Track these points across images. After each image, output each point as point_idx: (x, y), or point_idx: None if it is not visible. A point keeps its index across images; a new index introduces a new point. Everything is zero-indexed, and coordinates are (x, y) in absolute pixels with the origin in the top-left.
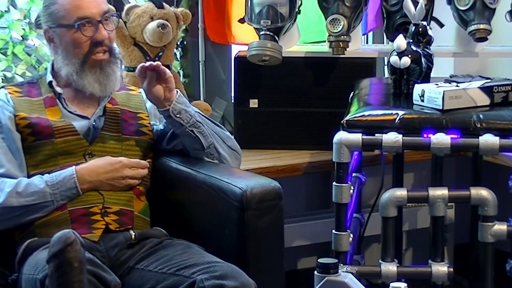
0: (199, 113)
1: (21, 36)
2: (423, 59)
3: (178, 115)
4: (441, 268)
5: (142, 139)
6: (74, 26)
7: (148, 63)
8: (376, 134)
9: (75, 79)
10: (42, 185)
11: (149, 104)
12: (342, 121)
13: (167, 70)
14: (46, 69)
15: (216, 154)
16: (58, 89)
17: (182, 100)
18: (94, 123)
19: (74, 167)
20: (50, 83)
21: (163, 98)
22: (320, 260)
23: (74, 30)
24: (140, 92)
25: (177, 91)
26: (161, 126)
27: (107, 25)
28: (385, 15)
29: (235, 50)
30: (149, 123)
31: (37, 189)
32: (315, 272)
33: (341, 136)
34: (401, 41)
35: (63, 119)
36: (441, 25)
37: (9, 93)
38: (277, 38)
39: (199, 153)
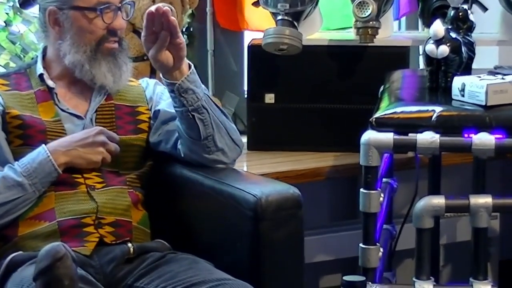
0: (208, 96)
1: (4, 22)
2: (463, 48)
3: (183, 94)
4: (483, 287)
5: (140, 137)
6: (96, 10)
7: (154, 8)
8: (410, 134)
9: (85, 67)
10: (20, 178)
11: (149, 93)
12: (370, 119)
13: (179, 30)
14: (33, 58)
15: (214, 148)
16: (50, 83)
17: (193, 78)
18: (87, 125)
19: (43, 145)
20: (41, 75)
21: (172, 66)
22: (345, 278)
23: (94, 14)
24: (140, 84)
25: (190, 65)
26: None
27: (122, 14)
28: None
29: (249, 37)
30: (149, 117)
31: (14, 183)
32: None
33: (369, 136)
34: (438, 28)
35: (57, 117)
36: (484, 9)
37: None
38: (296, 24)
39: (193, 147)
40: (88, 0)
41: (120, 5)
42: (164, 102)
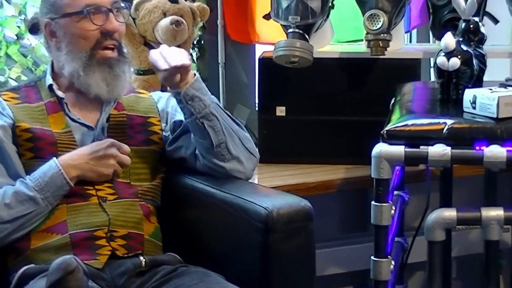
0: (217, 104)
1: (16, 35)
2: (474, 60)
3: (189, 102)
4: None
5: (152, 149)
6: (83, 12)
7: (179, 63)
8: (421, 146)
9: (81, 76)
10: (31, 193)
11: (161, 105)
12: (382, 132)
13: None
14: (44, 71)
15: (228, 155)
16: (60, 93)
17: (198, 86)
18: (98, 135)
19: (54, 159)
20: (50, 86)
21: (179, 79)
22: None
23: (82, 16)
24: (151, 95)
25: (194, 74)
26: (169, 132)
27: (117, 17)
28: (431, 10)
29: (260, 50)
30: (161, 129)
31: (27, 197)
32: None
33: (380, 148)
34: (449, 40)
35: (67, 128)
36: (495, 21)
37: (5, 100)
38: (307, 37)
39: (208, 156)
40: (76, 5)
41: (110, 7)
42: (180, 114)
